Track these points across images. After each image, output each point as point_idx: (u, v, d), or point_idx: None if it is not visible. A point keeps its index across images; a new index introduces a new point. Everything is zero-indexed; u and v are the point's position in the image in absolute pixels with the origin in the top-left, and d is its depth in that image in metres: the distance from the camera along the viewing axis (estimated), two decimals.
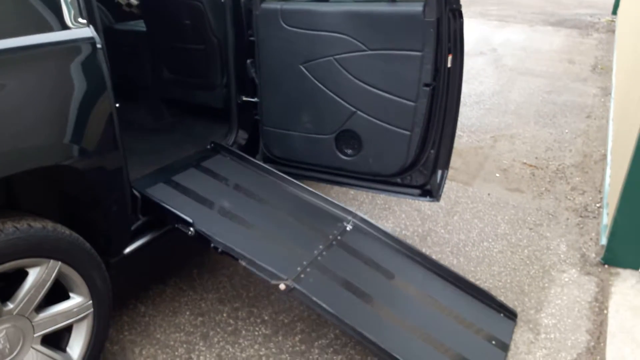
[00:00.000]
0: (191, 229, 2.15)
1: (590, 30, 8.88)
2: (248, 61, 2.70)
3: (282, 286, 2.03)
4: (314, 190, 2.58)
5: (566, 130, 4.71)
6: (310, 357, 2.27)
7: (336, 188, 3.46)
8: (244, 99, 2.79)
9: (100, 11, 1.93)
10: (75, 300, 1.87)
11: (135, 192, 2.21)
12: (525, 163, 4.09)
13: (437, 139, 2.48)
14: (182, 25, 2.91)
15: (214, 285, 2.67)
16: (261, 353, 2.28)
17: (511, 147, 4.36)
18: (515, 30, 8.85)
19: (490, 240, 3.11)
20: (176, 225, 2.19)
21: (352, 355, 2.27)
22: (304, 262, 2.18)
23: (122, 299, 2.52)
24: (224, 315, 2.48)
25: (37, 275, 1.72)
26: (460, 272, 2.54)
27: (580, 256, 2.95)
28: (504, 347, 2.24)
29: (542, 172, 3.94)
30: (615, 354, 2.24)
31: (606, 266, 2.82)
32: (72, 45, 1.75)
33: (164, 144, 2.88)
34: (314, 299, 2.02)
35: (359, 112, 2.53)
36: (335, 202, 2.57)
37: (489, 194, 3.63)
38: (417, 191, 2.61)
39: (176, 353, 2.27)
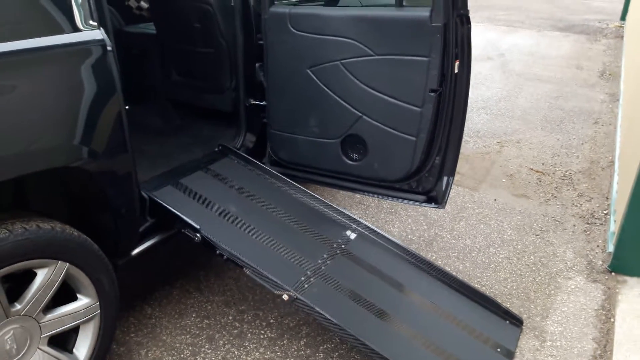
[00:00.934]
0: (198, 235, 2.16)
1: (598, 36, 8.85)
2: (257, 65, 2.72)
3: (285, 297, 2.06)
4: (319, 197, 2.59)
5: (573, 136, 4.70)
6: None
7: (342, 192, 3.46)
8: (252, 102, 2.80)
9: (110, 13, 1.94)
10: (82, 301, 1.88)
11: (144, 194, 2.22)
12: (532, 169, 4.08)
13: (443, 145, 2.47)
14: (192, 29, 2.93)
15: (220, 288, 2.68)
16: (266, 357, 2.28)
17: (518, 153, 4.35)
18: (523, 35, 8.83)
19: (496, 246, 3.10)
20: (183, 230, 2.20)
21: None
22: (308, 272, 2.20)
23: (129, 301, 2.53)
24: (230, 317, 2.48)
25: (45, 277, 1.73)
26: (466, 278, 2.54)
27: (587, 263, 2.93)
28: (510, 355, 2.24)
29: (549, 178, 3.93)
30: None
31: (613, 274, 2.80)
32: (83, 48, 1.77)
33: (172, 146, 2.89)
34: (317, 309, 2.04)
35: (364, 117, 2.53)
36: (340, 209, 2.57)
37: (495, 200, 3.62)
38: (423, 197, 2.60)
39: (182, 355, 2.27)
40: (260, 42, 2.67)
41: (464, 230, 3.26)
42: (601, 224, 3.31)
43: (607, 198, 3.62)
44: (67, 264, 1.78)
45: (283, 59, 2.63)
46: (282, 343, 2.35)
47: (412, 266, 2.46)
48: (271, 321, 2.47)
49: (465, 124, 2.51)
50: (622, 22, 9.71)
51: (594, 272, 2.85)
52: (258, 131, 2.88)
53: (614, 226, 3.10)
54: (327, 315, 2.03)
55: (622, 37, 8.61)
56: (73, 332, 1.92)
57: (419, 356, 2.07)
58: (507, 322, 2.38)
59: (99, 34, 1.80)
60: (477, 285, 2.65)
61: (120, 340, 2.33)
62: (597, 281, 2.78)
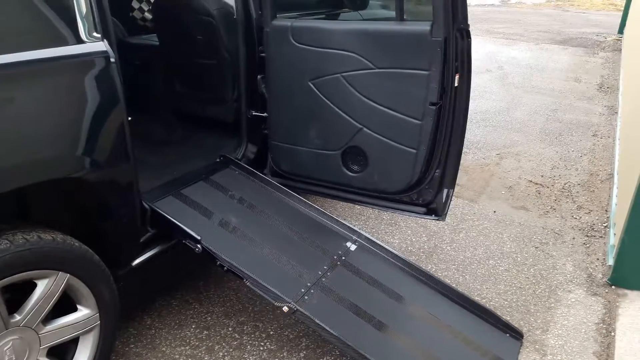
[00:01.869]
0: (198, 245, 2.16)
1: (596, 49, 8.91)
2: (258, 77, 2.73)
3: (285, 308, 2.06)
4: (319, 208, 2.60)
5: (572, 149, 4.71)
6: None
7: (343, 203, 3.47)
8: (254, 113, 2.82)
9: (113, 25, 1.96)
10: (82, 312, 1.88)
11: (145, 205, 2.22)
12: (531, 181, 4.09)
13: (444, 158, 2.48)
14: (195, 40, 2.95)
15: (220, 299, 2.67)
16: None
17: (517, 165, 4.37)
18: (522, 48, 8.89)
19: (496, 258, 3.10)
20: (184, 241, 2.21)
21: None
22: (308, 284, 2.20)
23: (129, 311, 2.52)
24: (230, 329, 2.48)
25: (45, 287, 1.73)
26: (466, 290, 2.53)
27: (587, 276, 2.93)
28: None
29: (548, 190, 3.94)
30: None
31: (613, 287, 2.80)
32: (86, 59, 1.78)
33: (174, 156, 2.90)
34: (317, 320, 2.03)
35: (365, 129, 2.54)
36: (340, 220, 2.58)
37: (494, 212, 3.63)
38: (423, 209, 2.61)
39: None
40: (262, 54, 2.69)
41: (463, 242, 3.26)
42: (601, 237, 3.31)
43: (606, 211, 3.62)
44: (68, 274, 1.78)
45: (285, 71, 2.65)
46: (281, 355, 2.34)
47: (412, 278, 2.46)
48: (271, 333, 2.46)
49: (465, 136, 2.52)
50: (620, 35, 9.79)
51: (594, 285, 2.85)
52: (259, 142, 2.89)
53: (613, 239, 3.10)
54: (326, 328, 2.02)
55: (620, 50, 8.67)
56: (72, 343, 1.91)
57: None
58: (507, 335, 2.38)
59: (102, 46, 1.81)
60: (477, 298, 2.64)
61: (120, 351, 2.32)
62: (597, 294, 2.78)
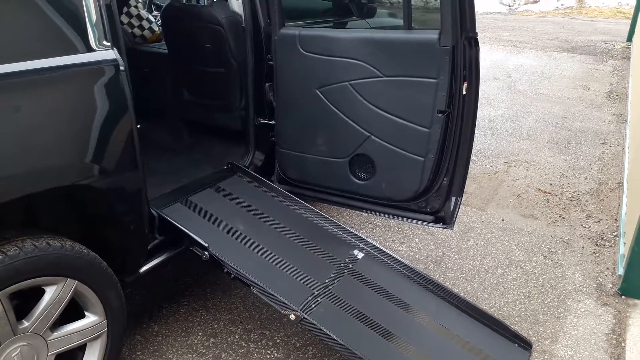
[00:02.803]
0: (206, 253, 2.17)
1: (605, 57, 8.88)
2: (266, 85, 2.75)
3: (292, 317, 2.05)
4: (327, 215, 2.60)
5: (581, 157, 4.69)
6: None
7: (350, 210, 3.46)
8: (262, 121, 2.83)
9: (123, 33, 1.98)
10: (90, 319, 1.89)
11: (153, 212, 2.23)
12: (539, 189, 4.07)
13: (452, 166, 2.48)
14: (203, 49, 2.97)
15: (227, 306, 2.67)
16: None
17: (525, 173, 4.35)
18: (530, 55, 8.87)
19: (504, 267, 3.08)
20: (191, 248, 2.21)
21: None
22: (315, 292, 2.19)
23: (136, 318, 2.53)
24: (236, 337, 2.47)
25: (53, 294, 1.74)
26: (474, 300, 2.52)
27: (597, 286, 2.91)
28: None
29: (557, 199, 3.92)
30: None
31: (623, 297, 2.77)
32: (96, 67, 1.79)
33: (182, 164, 2.92)
34: (324, 329, 2.03)
35: (373, 137, 2.54)
36: (348, 228, 2.57)
37: (503, 220, 3.61)
38: (431, 217, 2.60)
39: None
40: (270, 62, 2.70)
41: (471, 250, 3.24)
42: (610, 246, 3.28)
43: (616, 220, 3.59)
44: (76, 281, 1.79)
45: (292, 79, 2.65)
46: None
47: (420, 287, 2.44)
48: (278, 341, 2.45)
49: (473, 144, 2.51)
50: (629, 43, 9.74)
51: (603, 295, 2.82)
52: (267, 150, 2.90)
53: (623, 248, 3.07)
54: (334, 336, 2.01)
55: (628, 58, 8.63)
56: (80, 350, 1.92)
57: None
58: (516, 345, 2.36)
59: (112, 54, 1.82)
60: (485, 307, 2.62)
61: (127, 358, 2.32)
62: (607, 304, 2.75)
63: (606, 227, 3.51)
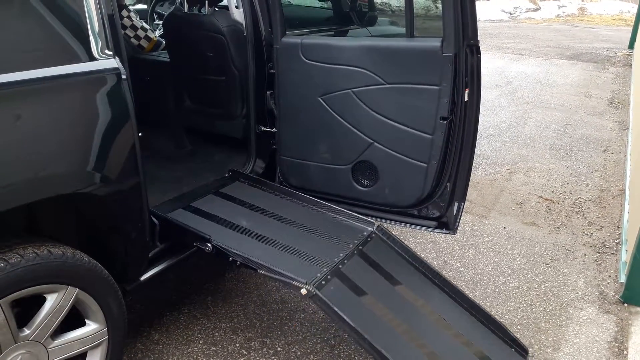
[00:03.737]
0: (209, 245, 2.16)
1: (606, 64, 8.89)
2: (267, 93, 2.76)
3: (303, 291, 1.99)
4: (334, 206, 2.56)
5: (583, 164, 4.68)
6: None
7: None
8: (263, 129, 2.83)
9: (125, 42, 1.99)
10: (90, 327, 1.88)
11: (154, 219, 2.23)
12: (541, 197, 4.06)
13: (454, 172, 2.48)
14: (205, 57, 2.98)
15: (228, 314, 2.66)
16: None
17: (527, 180, 4.34)
18: (531, 63, 8.89)
19: (506, 274, 3.07)
20: (195, 244, 2.20)
21: None
22: (324, 269, 2.13)
23: (136, 326, 2.52)
24: (237, 345, 2.46)
25: (54, 302, 1.73)
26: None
27: (599, 294, 2.89)
28: None
29: (559, 206, 3.91)
30: None
31: (625, 305, 2.76)
32: (99, 76, 1.80)
33: (183, 171, 2.92)
34: (335, 309, 1.97)
35: (375, 144, 2.55)
36: (356, 215, 2.52)
37: (504, 228, 3.60)
38: (434, 223, 2.60)
39: None
40: (271, 70, 2.71)
41: (473, 258, 3.23)
42: (612, 254, 3.27)
43: (618, 227, 3.59)
44: (77, 289, 1.78)
45: (294, 87, 2.66)
46: None
47: (427, 279, 2.39)
48: (278, 349, 2.44)
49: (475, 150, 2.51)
50: (631, 51, 9.76)
51: (605, 303, 2.81)
52: (268, 157, 2.91)
53: (625, 256, 3.06)
54: (345, 318, 1.95)
55: (630, 65, 8.65)
56: (80, 358, 1.91)
57: None
58: (513, 350, 2.34)
59: (114, 63, 1.84)
60: (486, 309, 2.61)
61: None
62: (609, 312, 2.74)
63: (608, 234, 3.51)
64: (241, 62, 2.84)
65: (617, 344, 2.51)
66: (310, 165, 2.75)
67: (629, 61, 9.00)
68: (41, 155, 1.64)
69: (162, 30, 3.75)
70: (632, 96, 6.53)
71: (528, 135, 5.43)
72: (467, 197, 2.57)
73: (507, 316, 2.70)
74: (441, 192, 2.52)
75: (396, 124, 2.47)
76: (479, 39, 2.37)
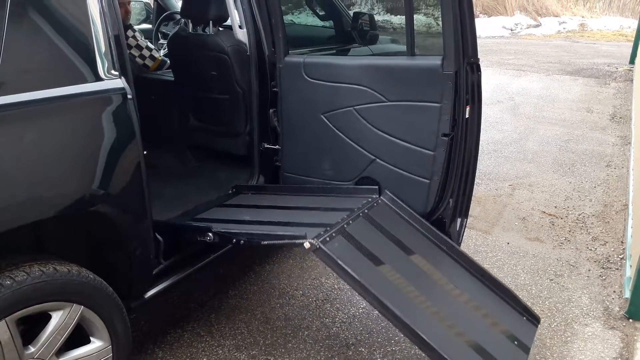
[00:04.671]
0: (209, 234, 2.17)
1: (608, 80, 8.93)
2: (270, 111, 2.79)
3: (306, 244, 1.95)
4: (339, 187, 2.59)
5: (586, 180, 4.69)
6: None
7: None
8: (266, 146, 2.86)
9: (131, 62, 2.03)
10: (95, 344, 1.88)
11: (158, 237, 2.25)
12: (544, 212, 4.06)
13: (456, 188, 2.50)
14: (209, 76, 3.03)
15: (231, 331, 2.66)
16: None
17: (530, 196, 4.35)
18: (533, 79, 8.94)
19: None
20: (198, 239, 2.22)
21: None
22: (328, 228, 2.12)
23: (140, 343, 2.52)
24: None
25: (59, 319, 1.74)
26: None
27: (604, 309, 2.88)
28: (526, 350, 2.18)
29: (562, 222, 3.91)
30: None
31: (630, 320, 2.75)
32: (105, 96, 1.84)
33: (188, 188, 2.95)
34: (339, 262, 1.94)
35: (378, 160, 2.57)
36: (360, 186, 2.54)
37: (508, 243, 3.60)
38: None
39: None
40: (274, 89, 2.75)
41: None
42: (617, 269, 3.26)
43: (622, 242, 3.58)
44: (82, 306, 1.80)
45: (297, 105, 2.70)
46: None
47: (434, 245, 2.38)
48: None
49: (477, 166, 2.53)
50: (632, 66, 9.81)
51: (610, 319, 2.80)
52: (271, 174, 2.93)
53: (629, 271, 3.05)
54: (349, 271, 1.93)
55: (631, 80, 8.68)
56: None
57: (440, 334, 1.96)
58: (525, 318, 2.31)
59: (120, 83, 1.87)
60: (496, 275, 2.52)
61: None
62: (615, 328, 2.73)
63: (612, 249, 3.50)
64: (245, 81, 2.88)
65: None
66: (313, 182, 2.78)
67: (630, 76, 9.04)
68: (48, 174, 1.67)
69: (166, 49, 3.80)
70: (633, 111, 6.55)
71: (530, 150, 5.45)
72: (470, 212, 2.58)
73: None
74: (444, 208, 2.54)
75: (398, 141, 2.50)
76: (479, 55, 2.40)
